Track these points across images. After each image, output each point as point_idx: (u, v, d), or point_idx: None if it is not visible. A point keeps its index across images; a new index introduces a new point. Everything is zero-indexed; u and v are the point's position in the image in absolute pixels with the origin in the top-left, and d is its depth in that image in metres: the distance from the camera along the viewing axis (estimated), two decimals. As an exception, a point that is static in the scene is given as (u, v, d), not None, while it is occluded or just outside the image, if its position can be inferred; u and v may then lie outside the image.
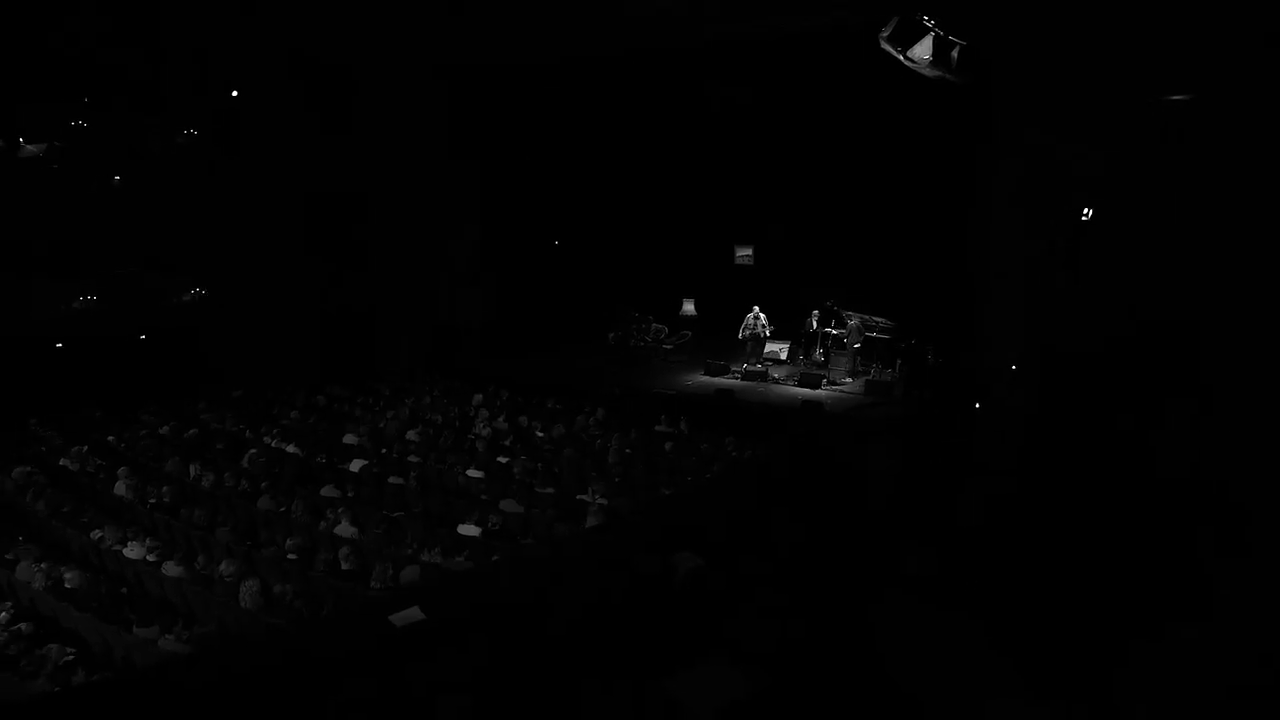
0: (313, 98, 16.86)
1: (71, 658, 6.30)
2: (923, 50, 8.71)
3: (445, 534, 8.38)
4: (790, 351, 16.17)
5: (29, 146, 15.93)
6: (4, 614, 6.82)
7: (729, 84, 15.31)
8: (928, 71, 8.88)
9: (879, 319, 15.32)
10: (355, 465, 10.67)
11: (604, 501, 9.13)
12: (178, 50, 15.97)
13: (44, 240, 15.60)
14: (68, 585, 7.32)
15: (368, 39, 15.70)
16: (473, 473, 10.39)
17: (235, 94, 16.96)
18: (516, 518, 8.85)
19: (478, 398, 14.05)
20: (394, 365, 17.16)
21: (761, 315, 15.90)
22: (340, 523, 8.63)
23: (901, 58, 8.86)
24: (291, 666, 3.56)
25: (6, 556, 7.98)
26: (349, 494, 9.76)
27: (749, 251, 18.79)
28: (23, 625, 6.64)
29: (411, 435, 11.99)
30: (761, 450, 10.78)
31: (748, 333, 15.95)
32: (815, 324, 15.94)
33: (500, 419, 12.85)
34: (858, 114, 15.09)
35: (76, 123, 16.34)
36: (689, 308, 17.99)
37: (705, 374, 15.67)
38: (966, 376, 12.10)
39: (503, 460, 10.78)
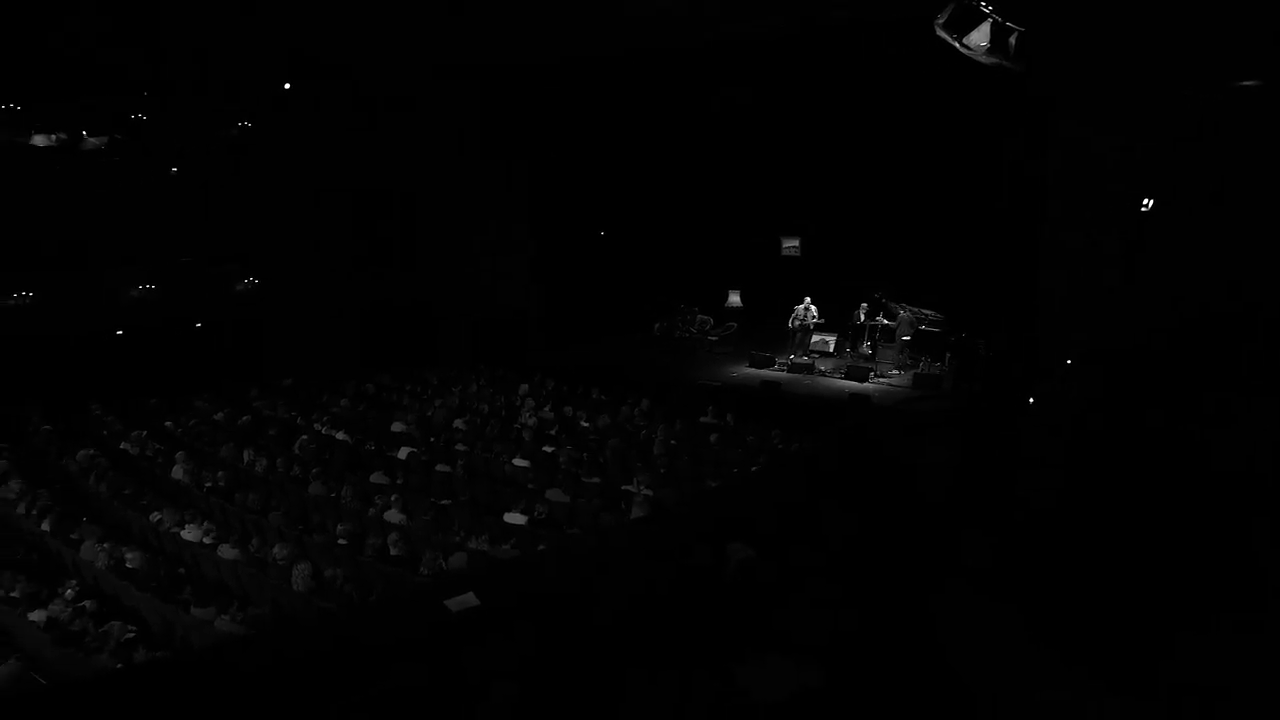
0: (362, 92, 17.07)
1: (132, 635, 6.48)
2: (980, 37, 8.50)
3: (492, 522, 8.46)
4: (837, 344, 16.00)
5: (91, 140, 16.38)
6: (70, 591, 7.04)
7: (776, 75, 15.13)
8: (984, 59, 8.67)
9: (928, 311, 15.09)
10: (403, 453, 10.80)
11: (649, 492, 9.14)
12: (231, 46, 16.25)
13: (104, 231, 16.04)
14: (129, 565, 7.53)
15: (412, 38, 15.80)
16: (519, 462, 10.46)
17: (287, 86, 17.24)
18: (562, 507, 8.89)
19: (524, 387, 14.14)
20: (441, 354, 17.33)
21: (812, 307, 15.76)
22: (389, 509, 8.76)
23: (957, 45, 8.66)
24: (344, 650, 3.60)
25: (71, 536, 8.24)
26: (398, 481, 9.90)
27: (796, 243, 18.61)
28: (87, 603, 6.85)
29: (459, 424, 12.11)
30: (809, 443, 10.68)
31: (797, 323, 15.82)
32: (863, 316, 15.75)
33: (546, 408, 12.92)
34: (910, 103, 14.84)
35: (136, 116, 16.75)
36: (735, 299, 17.89)
37: (750, 366, 15.57)
38: (1019, 371, 11.86)
39: (548, 450, 10.84)
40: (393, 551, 7.73)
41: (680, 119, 17.41)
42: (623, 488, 9.51)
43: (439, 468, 10.23)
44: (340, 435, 11.74)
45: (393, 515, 8.66)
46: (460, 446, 11.11)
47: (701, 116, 17.24)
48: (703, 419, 12.55)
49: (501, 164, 18.11)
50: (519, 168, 18.22)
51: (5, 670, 5.71)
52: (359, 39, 15.38)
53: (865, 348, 15.66)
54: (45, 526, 8.55)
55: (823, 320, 15.91)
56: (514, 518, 8.63)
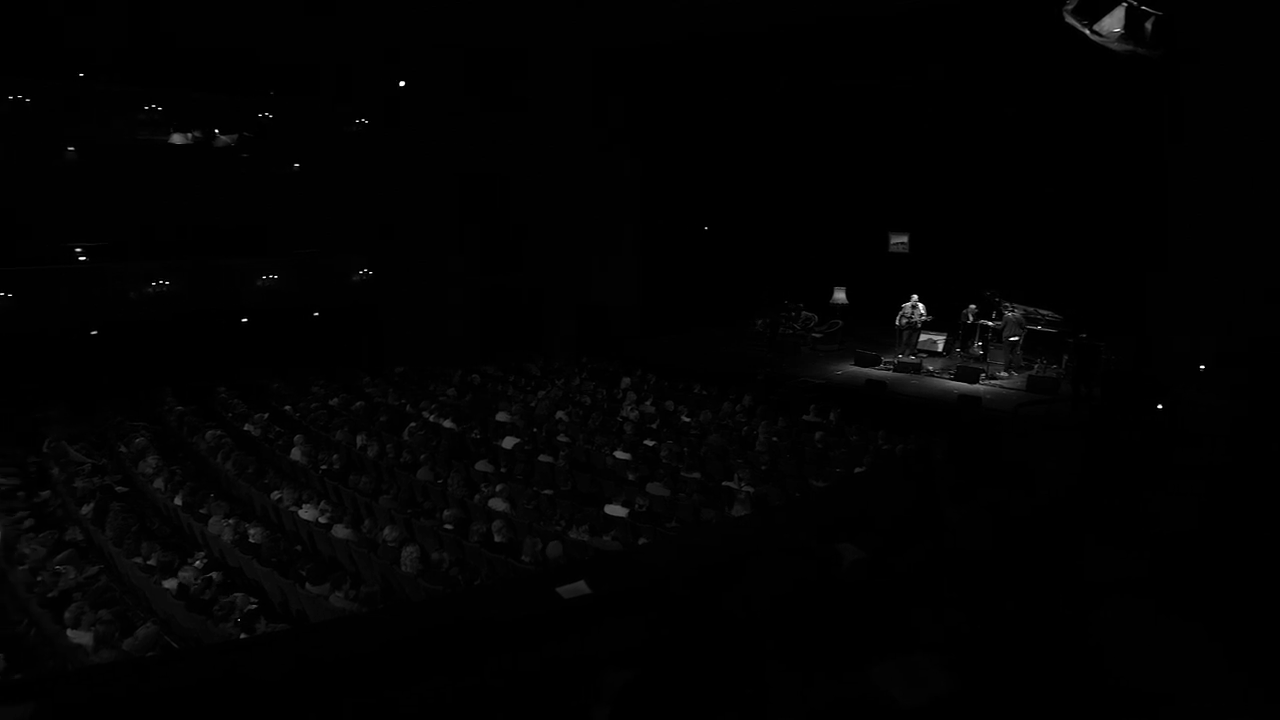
0: (474, 84, 17.46)
1: (254, 607, 6.81)
2: (1113, 23, 8.04)
3: (593, 513, 8.53)
4: (946, 343, 15.50)
5: (223, 137, 17.30)
6: (199, 562, 7.45)
7: (888, 65, 14.74)
8: (1116, 46, 8.19)
9: (1045, 311, 14.44)
10: (508, 442, 11.01)
11: (750, 489, 9.06)
12: (350, 43, 16.86)
13: (233, 222, 16.92)
14: (252, 540, 7.92)
15: (527, 24, 16.04)
16: (620, 454, 10.52)
17: (402, 84, 17.79)
18: (662, 501, 8.89)
19: (626, 381, 14.22)
20: (546, 346, 17.60)
21: (920, 305, 15.30)
22: (494, 497, 8.94)
23: (1087, 31, 8.21)
24: (455, 632, 3.67)
25: (201, 511, 8.73)
26: (502, 470, 10.10)
27: (904, 239, 18.13)
28: (214, 574, 7.24)
29: (561, 415, 12.27)
30: (918, 443, 10.38)
31: (904, 321, 15.39)
32: (972, 315, 15.21)
33: (648, 402, 12.95)
34: (1026, 91, 14.23)
35: (263, 115, 17.61)
36: (840, 296, 17.54)
37: (856, 364, 15.26)
38: (1145, 375, 11.22)
39: (649, 443, 10.86)
40: (497, 538, 7.88)
41: (789, 109, 17.18)
42: (723, 484, 9.46)
43: (542, 458, 10.39)
44: (447, 423, 12.06)
45: (497, 503, 8.83)
46: (562, 438, 11.25)
47: (811, 106, 16.95)
48: (805, 417, 12.36)
49: (612, 155, 18.25)
50: (629, 159, 18.33)
51: (144, 632, 6.09)
52: (472, 29, 15.70)
53: (976, 348, 15.13)
54: (178, 500, 9.09)
55: (931, 319, 15.43)
56: (615, 510, 8.69)
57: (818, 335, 16.71)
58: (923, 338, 15.49)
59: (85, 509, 8.74)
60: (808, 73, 15.59)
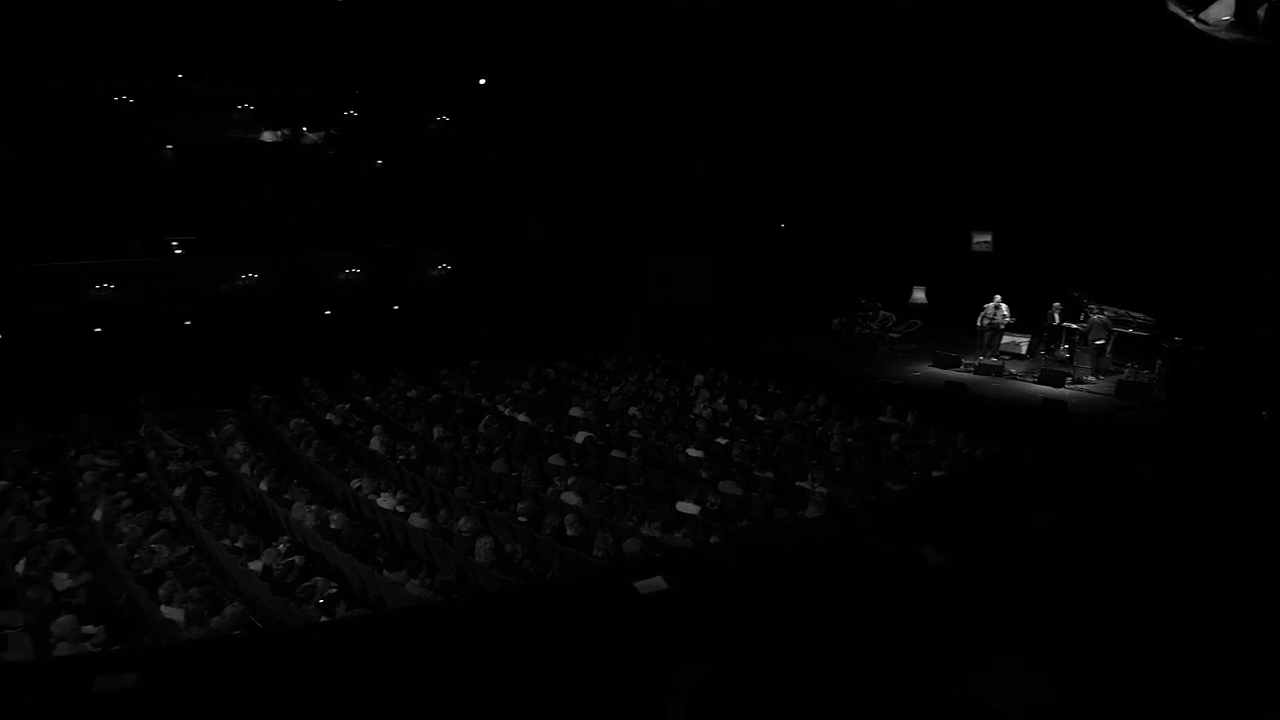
0: (549, 83, 17.59)
1: (334, 591, 7.00)
2: (1221, 10, 7.62)
3: (665, 510, 8.52)
4: (1031, 345, 15.00)
5: (310, 135, 17.84)
6: (282, 545, 7.68)
7: (970, 56, 14.31)
8: (1224, 35, 7.77)
9: (1136, 314, 13.86)
10: (580, 437, 11.08)
11: (824, 490, 8.93)
12: (429, 42, 17.15)
13: (319, 218, 17.43)
14: (333, 526, 8.14)
15: (600, 22, 16.07)
16: (693, 452, 10.48)
17: (482, 81, 18.06)
18: (734, 499, 8.83)
19: (699, 378, 14.17)
20: (619, 341, 17.66)
21: (1003, 305, 14.84)
22: (566, 491, 9.00)
23: (1193, 20, 7.80)
24: (530, 623, 3.69)
25: (285, 496, 9.00)
26: (574, 464, 10.16)
27: (988, 238, 17.62)
28: (297, 558, 7.45)
29: (634, 411, 12.29)
30: (1000, 448, 10.08)
31: (986, 322, 14.95)
32: (1058, 317, 14.69)
33: (720, 400, 12.88)
34: (1118, 83, 13.65)
35: (348, 113, 18.09)
36: (919, 295, 17.15)
37: (934, 365, 14.89)
38: (1248, 382, 10.66)
39: (722, 441, 10.80)
40: (569, 532, 7.93)
41: (869, 102, 16.85)
42: (796, 484, 9.34)
43: (614, 453, 10.42)
44: (521, 417, 12.20)
45: (569, 497, 8.89)
46: (635, 434, 11.26)
47: (892, 99, 16.60)
48: (882, 418, 12.13)
49: (688, 151, 18.19)
50: (705, 156, 18.25)
51: (230, 611, 6.31)
52: (549, 26, 15.77)
53: (1061, 351, 14.61)
54: (264, 486, 9.40)
55: (1014, 320, 14.96)
56: (686, 507, 8.66)
57: (895, 335, 16.38)
58: (1005, 340, 15.03)
59: (178, 491, 9.11)
60: (888, 66, 15.26)
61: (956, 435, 10.87)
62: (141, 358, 14.49)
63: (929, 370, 14.74)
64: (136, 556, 7.36)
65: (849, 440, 10.86)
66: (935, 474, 9.66)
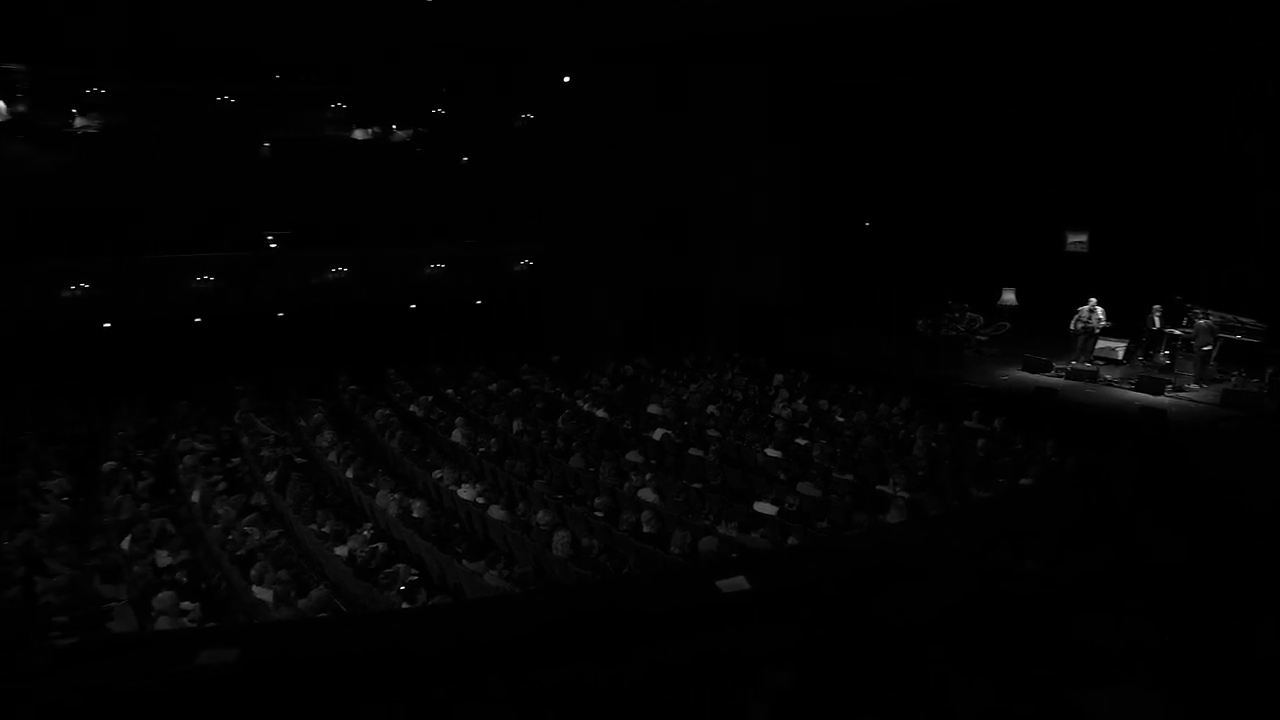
0: (638, 82, 17.63)
1: (415, 578, 7.15)
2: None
3: (742, 509, 8.45)
4: (1128, 351, 14.35)
5: (399, 133, 18.29)
6: (366, 532, 7.89)
7: (1070, 48, 13.74)
8: None
9: (1246, 320, 13.13)
10: (658, 434, 11.07)
11: (906, 495, 8.73)
12: (514, 41, 17.38)
13: (407, 214, 17.87)
14: (415, 515, 8.32)
15: (697, 18, 15.99)
16: (771, 452, 10.37)
17: (567, 79, 18.21)
18: (813, 501, 8.70)
19: (779, 378, 14.02)
20: (699, 341, 17.60)
21: (1098, 308, 14.24)
22: (643, 487, 9.01)
23: None
24: (606, 618, 3.70)
25: (369, 484, 9.24)
26: (652, 461, 10.17)
27: (1083, 238, 16.92)
28: (380, 545, 7.64)
29: (712, 409, 12.23)
30: (1095, 456, 9.68)
31: (1079, 326, 14.35)
32: (1159, 321, 14.03)
33: (800, 401, 12.72)
34: (1228, 74, 12.93)
35: (436, 111, 18.48)
36: (1009, 297, 16.57)
37: (1024, 369, 14.39)
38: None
39: (801, 442, 10.66)
40: (645, 528, 7.93)
41: (958, 95, 16.37)
42: (877, 488, 9.16)
43: (691, 451, 10.39)
44: (600, 413, 12.26)
45: (646, 494, 8.89)
46: (713, 432, 11.20)
47: (978, 96, 16.09)
48: (967, 423, 11.79)
49: (774, 150, 18.00)
50: (790, 154, 18.03)
51: (317, 594, 6.51)
52: (642, 23, 15.76)
53: (1162, 357, 13.95)
54: (349, 474, 9.66)
55: (1110, 324, 14.33)
56: (764, 507, 8.57)
57: (982, 338, 15.89)
58: (1100, 344, 14.42)
59: (269, 476, 9.44)
60: (978, 59, 14.81)
61: (1046, 442, 10.49)
62: (237, 347, 15.09)
63: (1017, 374, 14.26)
64: (230, 538, 7.65)
65: (933, 444, 10.60)
66: (1023, 482, 9.34)
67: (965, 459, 10.19)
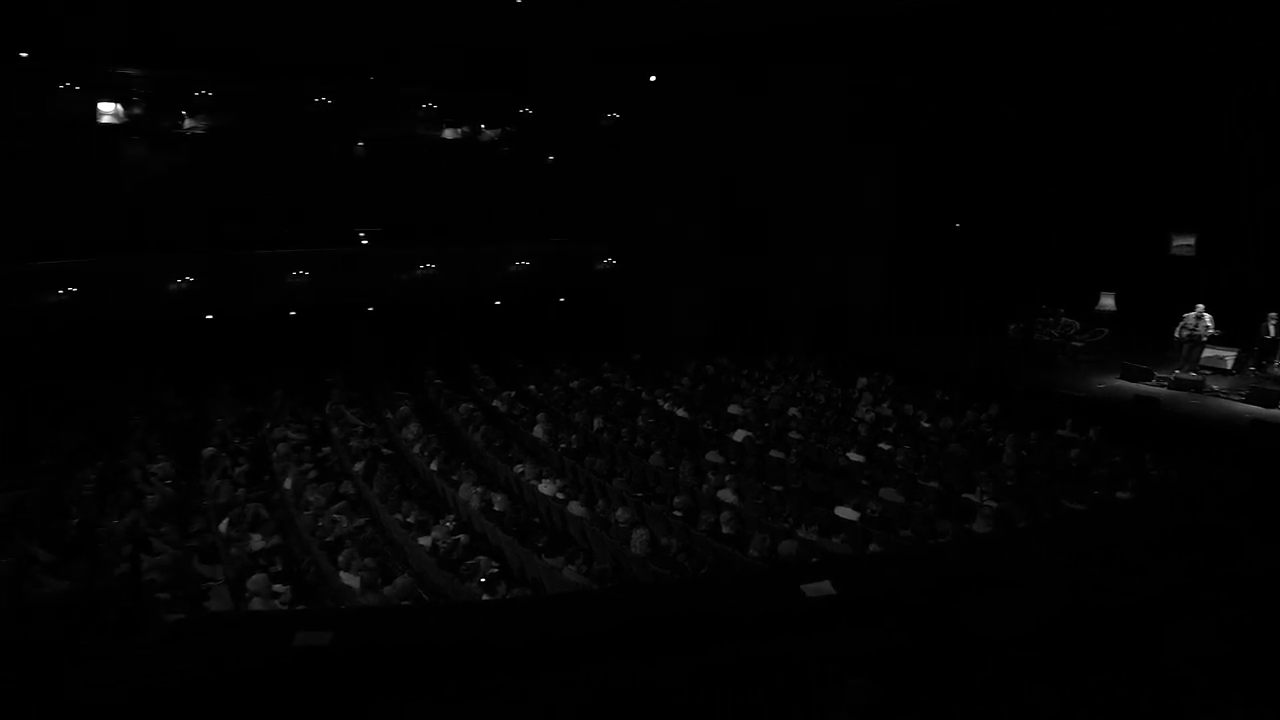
0: (721, 81, 17.53)
1: (495, 571, 7.25)
2: None
3: (823, 513, 8.32)
4: (1238, 360, 13.61)
5: (488, 132, 18.62)
6: (449, 524, 8.05)
7: (1173, 41, 13.06)
8: None
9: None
10: (739, 435, 11.00)
11: (993, 504, 8.45)
12: (596, 40, 17.46)
13: (494, 211, 18.18)
14: (496, 508, 8.45)
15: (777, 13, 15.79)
16: (854, 456, 10.19)
17: (653, 79, 18.22)
18: (896, 507, 8.51)
19: (862, 381, 13.77)
20: (782, 342, 17.42)
21: (1206, 315, 13.54)
22: (723, 488, 8.95)
23: None
24: (686, 618, 3.68)
25: (453, 477, 9.43)
26: (732, 462, 10.10)
27: (1190, 241, 16.09)
28: (462, 536, 7.79)
29: (794, 411, 12.09)
30: (1199, 470, 9.22)
31: (1185, 333, 13.67)
32: (1274, 330, 13.27)
33: (884, 404, 12.46)
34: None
35: (523, 110, 18.73)
36: (1108, 302, 15.90)
37: (1122, 377, 13.79)
38: None
39: (885, 447, 10.44)
40: (724, 529, 7.88)
41: (1051, 94, 15.76)
42: (963, 496, 8.89)
43: (772, 453, 10.28)
44: (680, 412, 12.25)
45: (725, 495, 8.84)
46: (794, 434, 11.06)
47: (1075, 90, 15.44)
48: (1060, 432, 11.36)
49: (862, 150, 17.67)
50: (879, 154, 17.67)
51: (401, 582, 6.68)
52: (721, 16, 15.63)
53: (1277, 367, 13.19)
54: (434, 466, 9.87)
55: (1219, 332, 13.61)
56: (845, 512, 8.42)
57: (1078, 344, 15.29)
58: (1208, 353, 13.70)
59: (357, 466, 9.72)
60: (1078, 54, 14.23)
61: (1145, 455, 10.03)
62: (329, 340, 15.59)
63: (1115, 383, 13.68)
64: (320, 524, 7.90)
65: (1023, 453, 10.25)
66: (1120, 495, 8.95)
67: (1057, 469, 9.83)
